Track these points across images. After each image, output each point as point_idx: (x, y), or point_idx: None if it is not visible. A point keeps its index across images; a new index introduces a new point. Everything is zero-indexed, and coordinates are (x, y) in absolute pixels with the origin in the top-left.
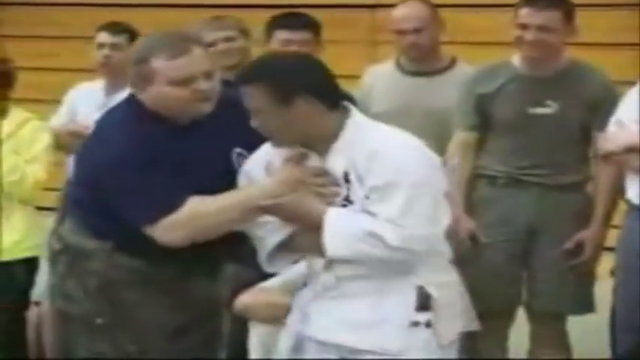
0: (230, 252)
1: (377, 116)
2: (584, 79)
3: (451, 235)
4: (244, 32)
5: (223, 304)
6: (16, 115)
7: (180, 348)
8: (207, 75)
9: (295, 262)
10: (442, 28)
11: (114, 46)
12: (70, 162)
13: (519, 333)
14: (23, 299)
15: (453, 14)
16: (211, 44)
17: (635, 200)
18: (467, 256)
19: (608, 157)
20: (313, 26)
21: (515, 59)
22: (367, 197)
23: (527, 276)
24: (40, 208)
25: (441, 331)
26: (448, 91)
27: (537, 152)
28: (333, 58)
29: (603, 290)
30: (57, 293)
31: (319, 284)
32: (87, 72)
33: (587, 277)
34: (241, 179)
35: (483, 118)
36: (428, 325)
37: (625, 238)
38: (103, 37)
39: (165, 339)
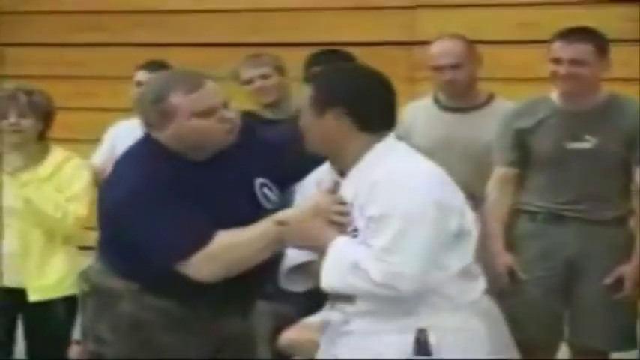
0: (262, 289)
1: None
2: (622, 112)
3: (489, 270)
4: (280, 69)
5: (259, 340)
6: (56, 154)
7: None
8: (226, 105)
9: (313, 286)
10: (479, 64)
11: None
12: None
13: None
14: (64, 337)
15: (491, 50)
16: (248, 82)
17: None
18: (507, 291)
19: None
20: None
21: (554, 94)
22: (367, 228)
23: (568, 312)
24: (82, 248)
25: None
26: (486, 126)
27: (577, 187)
28: None
29: None
30: (88, 335)
31: (330, 322)
32: (124, 111)
33: (629, 313)
34: (299, 191)
35: (522, 154)
36: None
37: None
38: (142, 75)
39: None
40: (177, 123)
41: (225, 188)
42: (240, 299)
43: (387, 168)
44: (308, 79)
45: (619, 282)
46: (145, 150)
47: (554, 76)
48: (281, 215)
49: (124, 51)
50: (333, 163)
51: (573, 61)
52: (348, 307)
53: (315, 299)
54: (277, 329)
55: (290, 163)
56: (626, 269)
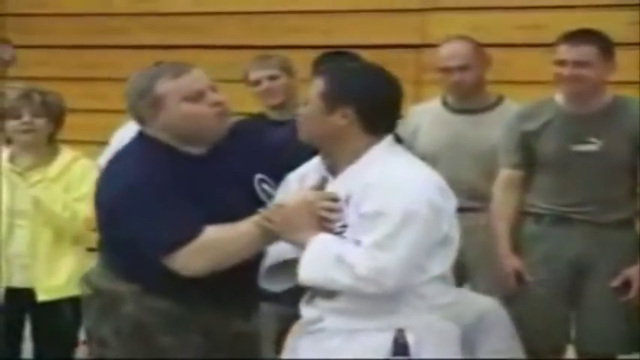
0: (264, 290)
1: (423, 154)
2: (627, 113)
3: (496, 272)
4: (288, 71)
5: (264, 342)
6: (65, 154)
7: None
8: (213, 88)
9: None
10: (487, 66)
11: None
12: None
13: None
14: (72, 338)
15: (500, 53)
16: (256, 82)
17: None
18: (513, 293)
19: None
20: None
21: (558, 97)
22: (359, 224)
23: (575, 315)
24: (90, 249)
25: None
26: (495, 128)
27: (583, 189)
28: None
29: None
30: (92, 339)
31: (304, 318)
32: None
33: (636, 315)
34: (282, 186)
35: (528, 156)
36: None
37: None
38: None
39: None
40: (168, 111)
41: (222, 183)
42: (242, 300)
43: (384, 168)
44: (319, 73)
45: (626, 284)
46: (139, 146)
47: (558, 79)
48: (268, 210)
49: (135, 53)
50: (326, 159)
51: (577, 63)
52: (326, 304)
53: None
54: (282, 331)
55: (287, 160)
56: (633, 271)
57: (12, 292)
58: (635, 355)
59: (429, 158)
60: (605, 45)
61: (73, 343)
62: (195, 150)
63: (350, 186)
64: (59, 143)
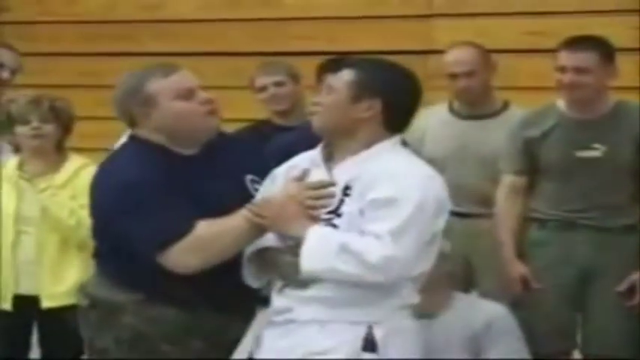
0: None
1: (430, 159)
2: (630, 118)
3: (502, 278)
4: (294, 77)
5: None
6: (74, 161)
7: None
8: (202, 88)
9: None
10: (494, 72)
11: None
12: None
13: None
14: (78, 344)
15: (505, 59)
16: (262, 89)
17: None
18: (519, 298)
19: None
20: None
21: (561, 103)
22: (362, 212)
23: (581, 320)
24: None
25: None
26: (501, 134)
27: (587, 195)
28: None
29: None
30: (92, 349)
31: (272, 308)
32: None
33: None
34: (267, 181)
35: (531, 162)
36: None
37: None
38: None
39: None
40: (160, 109)
41: (214, 182)
42: (241, 306)
43: (394, 160)
44: (347, 64)
45: (631, 289)
46: (131, 148)
47: (559, 85)
48: (256, 205)
49: (140, 60)
50: (334, 147)
51: (577, 70)
52: (298, 293)
53: None
54: None
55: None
56: (639, 277)
57: (19, 299)
58: None
59: (436, 163)
60: (605, 51)
61: (80, 350)
62: (187, 150)
63: (352, 175)
64: (68, 150)
